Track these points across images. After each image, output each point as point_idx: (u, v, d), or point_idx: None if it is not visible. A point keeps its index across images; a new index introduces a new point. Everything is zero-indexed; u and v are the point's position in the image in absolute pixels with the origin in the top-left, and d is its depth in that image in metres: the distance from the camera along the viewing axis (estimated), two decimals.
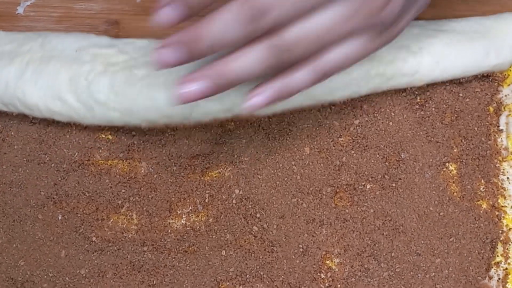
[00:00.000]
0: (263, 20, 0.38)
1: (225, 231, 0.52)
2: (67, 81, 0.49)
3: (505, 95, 0.54)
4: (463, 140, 0.53)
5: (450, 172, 0.53)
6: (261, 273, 0.51)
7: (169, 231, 0.52)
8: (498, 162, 0.53)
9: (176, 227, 0.52)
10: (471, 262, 0.51)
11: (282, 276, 0.51)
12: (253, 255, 0.51)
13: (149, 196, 0.52)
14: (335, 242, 0.51)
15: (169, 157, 0.53)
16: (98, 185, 0.52)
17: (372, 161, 0.53)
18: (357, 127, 0.53)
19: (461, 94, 0.54)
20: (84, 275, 0.51)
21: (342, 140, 0.53)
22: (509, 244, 0.52)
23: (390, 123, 0.53)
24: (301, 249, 0.51)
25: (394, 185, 0.52)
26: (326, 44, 0.41)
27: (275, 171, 0.52)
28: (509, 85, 0.54)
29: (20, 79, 0.50)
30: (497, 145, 0.53)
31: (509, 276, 0.51)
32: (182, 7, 0.37)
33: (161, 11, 0.37)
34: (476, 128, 0.53)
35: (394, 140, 0.53)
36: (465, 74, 0.52)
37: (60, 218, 0.52)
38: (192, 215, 0.52)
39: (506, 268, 0.51)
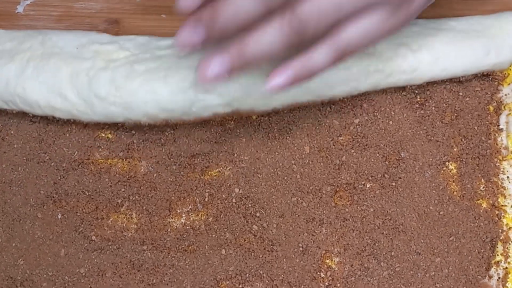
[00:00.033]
0: None
1: (225, 230, 0.52)
2: (67, 78, 0.49)
3: (505, 94, 0.54)
4: (463, 139, 0.53)
5: (450, 171, 0.53)
6: (261, 272, 0.51)
7: (168, 230, 0.52)
8: (498, 161, 0.53)
9: (176, 226, 0.52)
10: (471, 261, 0.51)
11: (282, 275, 0.51)
12: (252, 254, 0.51)
13: (149, 195, 0.52)
14: (335, 241, 0.51)
15: (169, 156, 0.53)
16: (98, 184, 0.52)
17: (372, 160, 0.53)
18: (357, 126, 0.53)
19: (461, 93, 0.54)
20: (83, 274, 0.51)
21: (342, 139, 0.53)
22: (509, 243, 0.52)
23: (390, 122, 0.53)
24: (301, 248, 0.51)
25: (394, 184, 0.52)
26: (342, 16, 0.41)
27: (275, 170, 0.52)
28: (509, 84, 0.54)
29: (21, 77, 0.50)
30: (497, 144, 0.53)
31: (509, 275, 0.51)
32: None
33: None
34: (476, 127, 0.53)
35: (394, 139, 0.53)
36: (465, 73, 0.52)
37: (59, 217, 0.52)
38: (191, 214, 0.52)
39: (506, 267, 0.51)
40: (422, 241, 0.51)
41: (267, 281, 0.51)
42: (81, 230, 0.52)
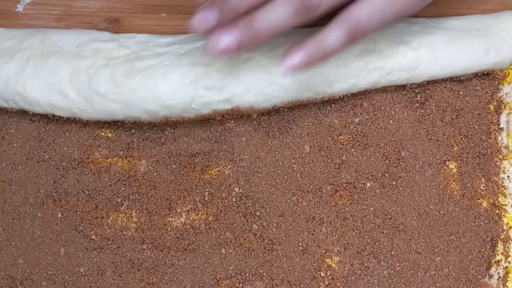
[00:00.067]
0: None
1: (225, 229, 0.51)
2: (68, 76, 0.49)
3: (506, 93, 0.54)
4: (463, 138, 0.53)
5: (451, 171, 0.53)
6: (261, 272, 0.51)
7: (168, 229, 0.52)
8: (498, 160, 0.53)
9: (176, 225, 0.52)
10: (471, 260, 0.51)
11: (282, 275, 0.51)
12: (252, 253, 0.51)
13: (149, 194, 0.52)
14: (335, 241, 0.51)
15: (168, 155, 0.53)
16: (98, 183, 0.52)
17: (372, 159, 0.53)
18: (357, 125, 0.53)
19: (461, 92, 0.53)
20: (83, 273, 0.51)
21: (342, 138, 0.53)
22: (510, 243, 0.52)
23: (390, 121, 0.53)
24: (301, 248, 0.51)
25: (394, 183, 0.52)
26: None
27: (275, 169, 0.52)
28: (509, 83, 0.54)
29: (21, 75, 0.50)
30: (497, 143, 0.53)
31: (510, 275, 0.51)
32: None
33: None
34: (476, 126, 0.53)
35: (394, 138, 0.53)
36: (465, 71, 0.52)
37: (59, 216, 0.52)
38: (191, 213, 0.52)
39: (507, 267, 0.51)
40: (422, 240, 0.51)
41: (267, 280, 0.51)
42: (81, 229, 0.52)
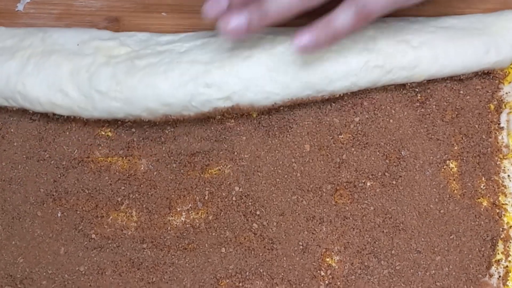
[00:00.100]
0: None
1: (225, 228, 0.51)
2: (68, 74, 0.50)
3: (506, 93, 0.54)
4: (463, 138, 0.53)
5: (451, 170, 0.53)
6: (261, 271, 0.51)
7: (168, 228, 0.52)
8: (498, 159, 0.53)
9: (176, 224, 0.52)
10: (472, 260, 0.51)
11: (282, 274, 0.51)
12: (252, 252, 0.51)
13: (149, 193, 0.52)
14: (335, 240, 0.51)
15: (169, 154, 0.53)
16: (98, 182, 0.52)
17: (373, 158, 0.53)
18: (358, 125, 0.53)
19: (461, 92, 0.53)
20: (83, 272, 0.51)
21: (342, 138, 0.53)
22: (510, 242, 0.52)
23: (391, 121, 0.53)
24: (301, 247, 0.51)
25: (394, 182, 0.52)
26: None
27: (275, 168, 0.52)
28: (510, 82, 0.54)
29: (21, 74, 0.50)
30: (497, 142, 0.53)
31: (510, 274, 0.51)
32: None
33: None
34: (476, 126, 0.53)
35: (395, 137, 0.53)
36: (465, 70, 0.52)
37: (59, 215, 0.52)
38: (191, 212, 0.52)
39: (507, 266, 0.51)
40: (422, 239, 0.51)
41: (267, 280, 0.51)
42: (81, 228, 0.52)
